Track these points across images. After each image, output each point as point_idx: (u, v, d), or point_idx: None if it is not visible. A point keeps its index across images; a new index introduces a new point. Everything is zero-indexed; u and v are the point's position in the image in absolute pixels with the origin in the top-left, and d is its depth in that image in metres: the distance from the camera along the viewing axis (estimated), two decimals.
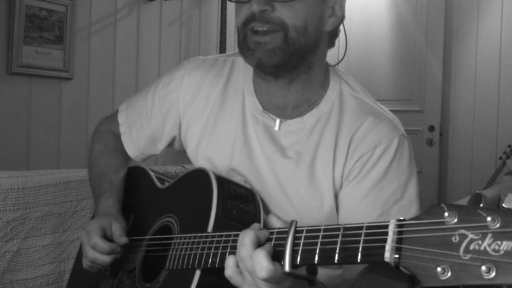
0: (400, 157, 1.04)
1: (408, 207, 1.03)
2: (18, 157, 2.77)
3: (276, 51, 0.98)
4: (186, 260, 0.91)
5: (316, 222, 1.05)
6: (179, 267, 0.93)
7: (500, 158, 3.67)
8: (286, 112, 1.09)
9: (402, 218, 0.63)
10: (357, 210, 1.03)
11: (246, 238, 0.76)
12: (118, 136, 1.29)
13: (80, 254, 1.27)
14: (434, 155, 4.07)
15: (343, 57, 1.16)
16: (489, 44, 3.92)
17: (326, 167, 1.05)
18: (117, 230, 1.09)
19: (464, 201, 2.97)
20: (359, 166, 1.03)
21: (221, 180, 1.02)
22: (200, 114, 1.15)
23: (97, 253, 1.07)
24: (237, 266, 0.79)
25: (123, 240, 1.09)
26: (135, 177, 1.29)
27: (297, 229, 0.74)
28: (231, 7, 3.58)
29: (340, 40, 1.13)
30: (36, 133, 2.84)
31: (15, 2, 2.67)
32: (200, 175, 1.05)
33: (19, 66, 2.72)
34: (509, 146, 3.65)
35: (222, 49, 3.64)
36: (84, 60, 3.04)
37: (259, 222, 1.00)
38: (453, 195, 4.00)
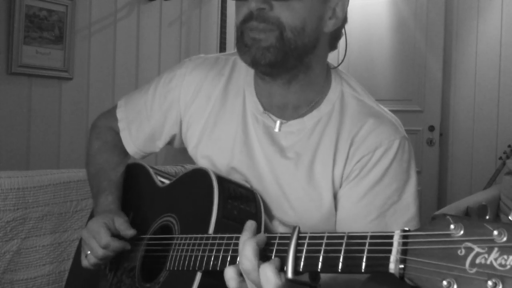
0: (400, 159, 1.04)
1: (405, 209, 1.03)
2: (18, 157, 2.77)
3: (270, 50, 0.98)
4: (187, 262, 0.91)
5: (315, 223, 1.06)
6: (180, 268, 0.93)
7: (500, 158, 3.67)
8: (287, 112, 1.09)
9: (407, 229, 0.63)
10: (354, 210, 1.03)
11: (248, 250, 0.76)
12: (116, 133, 1.28)
13: (78, 253, 1.27)
14: (434, 155, 4.06)
15: (343, 59, 1.16)
16: (489, 44, 3.92)
17: (325, 169, 1.05)
18: (122, 224, 1.09)
19: (464, 202, 2.97)
20: (359, 167, 1.03)
21: (221, 180, 1.01)
22: (201, 113, 1.15)
23: (108, 252, 1.08)
24: (238, 275, 0.79)
25: (131, 232, 1.09)
26: (134, 175, 1.28)
27: (300, 235, 0.74)
28: (231, 7, 3.58)
29: (340, 41, 1.13)
30: (36, 133, 2.84)
31: (15, 2, 2.67)
32: (201, 175, 1.05)
33: (19, 66, 2.72)
34: (509, 146, 3.66)
35: (222, 49, 3.64)
36: (84, 60, 3.04)
37: (260, 222, 1.00)
38: (453, 195, 4.00)
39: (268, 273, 0.73)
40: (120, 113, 1.27)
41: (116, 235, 1.09)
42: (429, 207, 3.80)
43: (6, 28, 2.68)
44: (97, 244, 1.07)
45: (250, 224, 0.81)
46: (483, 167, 3.91)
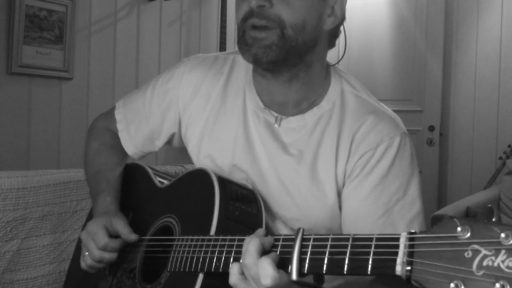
0: (402, 155, 1.04)
1: (411, 205, 1.03)
2: (18, 157, 2.77)
3: (272, 48, 0.99)
4: (189, 263, 0.91)
5: (318, 220, 1.06)
6: (182, 270, 0.93)
7: (500, 158, 3.67)
8: (287, 109, 1.09)
9: (413, 231, 0.63)
10: (360, 209, 1.03)
11: (251, 245, 0.77)
12: (114, 133, 1.28)
13: (77, 254, 1.27)
14: (434, 155, 4.06)
15: (343, 56, 1.16)
16: (489, 44, 3.91)
17: (328, 166, 1.05)
18: (124, 227, 1.09)
19: (464, 202, 2.96)
20: (361, 164, 1.03)
21: (222, 181, 1.01)
22: (201, 112, 1.15)
23: (106, 252, 1.07)
24: (241, 274, 0.79)
25: (134, 237, 1.08)
26: (132, 175, 1.28)
27: (304, 237, 0.74)
28: (231, 7, 3.58)
29: (340, 39, 1.13)
30: (36, 133, 2.84)
31: (15, 2, 2.67)
32: (201, 175, 1.04)
33: (19, 66, 2.72)
34: (509, 146, 3.66)
35: (222, 49, 3.64)
36: (84, 60, 3.04)
37: (261, 222, 1.00)
38: (453, 195, 4.00)
39: (266, 266, 0.74)
40: (118, 114, 1.27)
41: (114, 236, 1.09)
42: (429, 207, 3.80)
43: (6, 28, 2.68)
44: (95, 245, 1.07)
45: (259, 230, 0.83)
46: (483, 167, 3.91)
